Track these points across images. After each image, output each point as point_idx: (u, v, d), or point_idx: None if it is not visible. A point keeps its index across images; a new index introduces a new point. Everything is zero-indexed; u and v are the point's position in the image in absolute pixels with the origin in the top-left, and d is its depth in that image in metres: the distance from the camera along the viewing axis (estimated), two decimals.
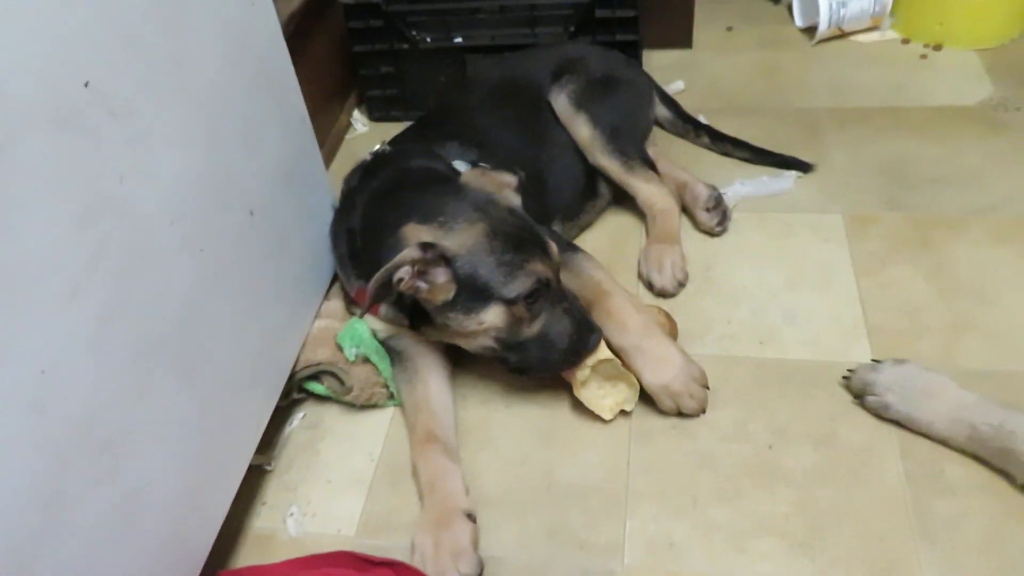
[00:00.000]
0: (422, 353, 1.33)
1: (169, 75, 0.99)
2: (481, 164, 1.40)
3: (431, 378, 1.32)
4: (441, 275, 1.15)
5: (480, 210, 1.19)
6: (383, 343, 1.34)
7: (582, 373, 1.23)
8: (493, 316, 1.17)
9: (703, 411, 1.28)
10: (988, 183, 1.65)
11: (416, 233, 1.16)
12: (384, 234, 1.21)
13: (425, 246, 1.12)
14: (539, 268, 1.17)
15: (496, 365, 1.29)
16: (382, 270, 1.11)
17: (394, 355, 1.34)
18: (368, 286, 1.12)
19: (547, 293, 1.19)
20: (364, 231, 1.30)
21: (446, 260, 1.14)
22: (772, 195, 1.69)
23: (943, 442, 1.18)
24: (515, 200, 1.27)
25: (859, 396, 1.26)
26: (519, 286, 1.15)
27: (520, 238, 1.18)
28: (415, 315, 1.24)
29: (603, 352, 1.23)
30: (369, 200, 1.31)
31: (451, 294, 1.16)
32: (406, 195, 1.26)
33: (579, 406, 1.30)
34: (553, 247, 1.23)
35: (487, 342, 1.21)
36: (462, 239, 1.15)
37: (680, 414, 1.28)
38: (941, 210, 1.60)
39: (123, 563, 0.91)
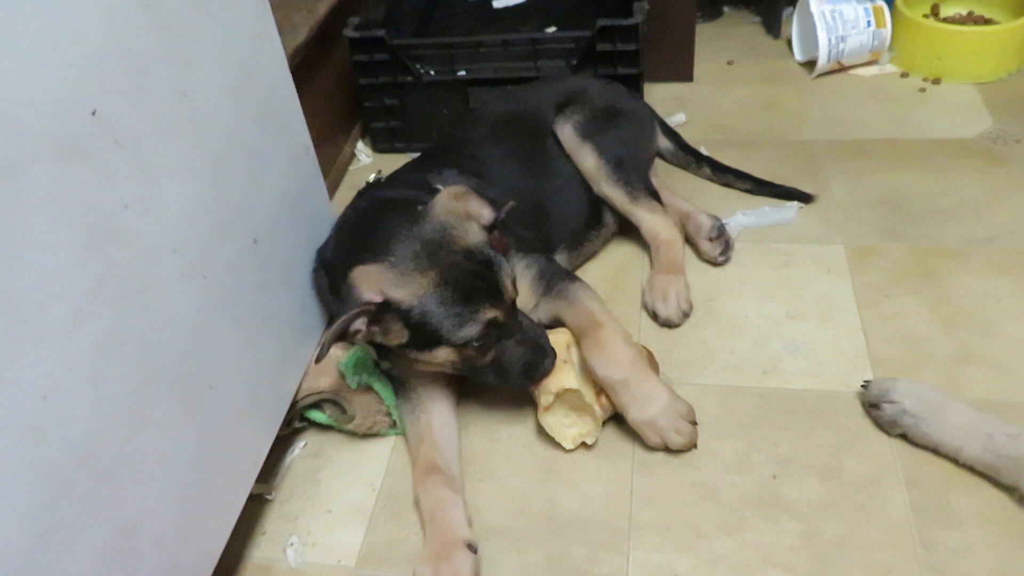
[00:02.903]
0: (426, 383, 1.33)
1: (176, 106, 1.00)
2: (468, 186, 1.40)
3: (434, 408, 1.32)
4: (394, 322, 1.15)
5: (431, 254, 1.15)
6: (386, 372, 1.34)
7: (545, 399, 1.24)
8: (445, 355, 1.19)
9: (693, 447, 1.27)
10: (988, 215, 1.66)
11: (365, 277, 1.13)
12: (344, 271, 1.18)
13: (380, 304, 1.11)
14: (488, 314, 1.16)
15: (498, 393, 1.29)
16: (338, 323, 1.09)
17: (397, 384, 1.33)
18: (322, 336, 1.11)
19: (498, 332, 1.20)
20: (331, 266, 1.30)
21: (399, 310, 1.14)
22: (774, 226, 1.69)
23: (953, 454, 1.18)
24: (475, 237, 1.19)
25: (875, 404, 1.26)
26: (468, 332, 1.16)
27: (471, 286, 1.16)
28: (378, 347, 1.26)
29: (569, 381, 1.23)
30: (338, 233, 1.33)
31: (405, 338, 1.17)
32: (364, 229, 1.25)
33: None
34: (508, 287, 1.21)
35: (447, 370, 1.25)
36: (413, 288, 1.13)
37: (667, 450, 1.26)
38: (942, 241, 1.61)
39: None
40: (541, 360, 1.23)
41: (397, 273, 1.14)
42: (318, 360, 1.11)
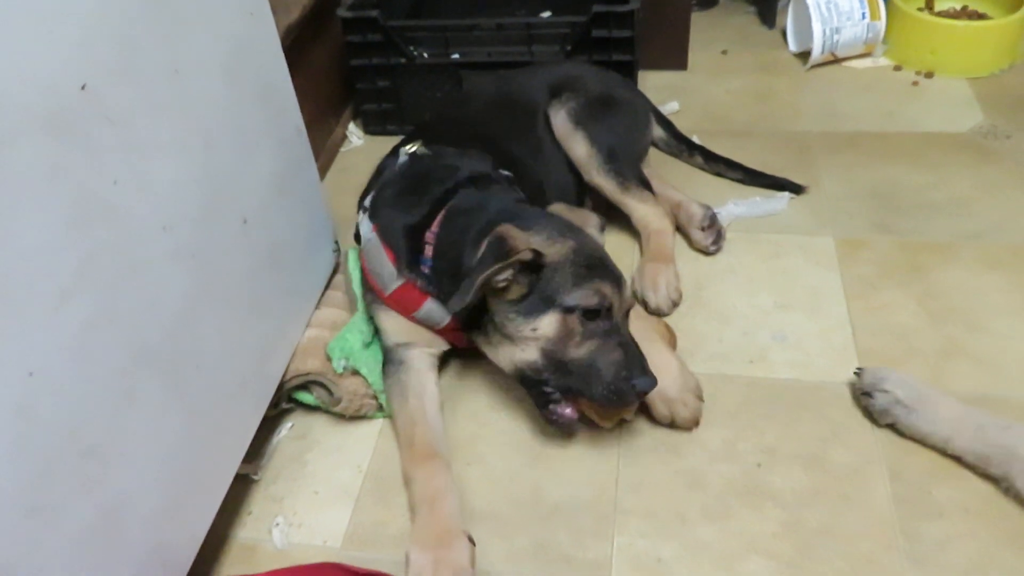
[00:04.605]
0: (422, 368, 1.34)
1: (167, 82, 0.99)
2: (502, 172, 1.42)
3: (426, 392, 1.32)
4: (525, 277, 1.18)
5: (570, 230, 1.24)
6: (390, 349, 1.34)
7: None
8: (547, 324, 1.18)
9: (696, 423, 1.28)
10: (978, 210, 1.67)
11: (517, 235, 1.18)
12: (471, 235, 1.23)
13: (536, 252, 1.16)
14: (607, 291, 1.19)
15: (486, 379, 1.28)
16: (493, 268, 1.13)
17: (395, 365, 1.34)
18: (475, 280, 1.13)
19: (606, 320, 1.19)
20: (445, 230, 1.29)
21: (537, 267, 1.18)
22: (765, 216, 1.70)
23: (942, 445, 1.19)
24: (599, 237, 1.30)
25: (867, 392, 1.27)
26: (580, 297, 1.17)
27: (601, 262, 1.22)
28: (471, 317, 1.24)
29: None
30: (451, 201, 1.31)
31: (520, 294, 1.19)
32: (501, 204, 1.29)
33: None
34: (627, 286, 1.25)
35: (532, 355, 1.20)
36: (557, 248, 1.19)
37: (673, 425, 1.28)
38: (932, 235, 1.62)
39: (106, 571, 0.90)
40: (640, 376, 1.17)
41: (543, 237, 1.20)
42: (453, 308, 1.17)
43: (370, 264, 1.36)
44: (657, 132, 1.85)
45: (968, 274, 1.52)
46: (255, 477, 1.29)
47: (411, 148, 1.43)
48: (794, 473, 1.22)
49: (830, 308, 1.48)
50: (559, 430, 1.29)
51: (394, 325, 1.35)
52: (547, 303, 1.18)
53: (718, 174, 1.82)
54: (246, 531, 1.23)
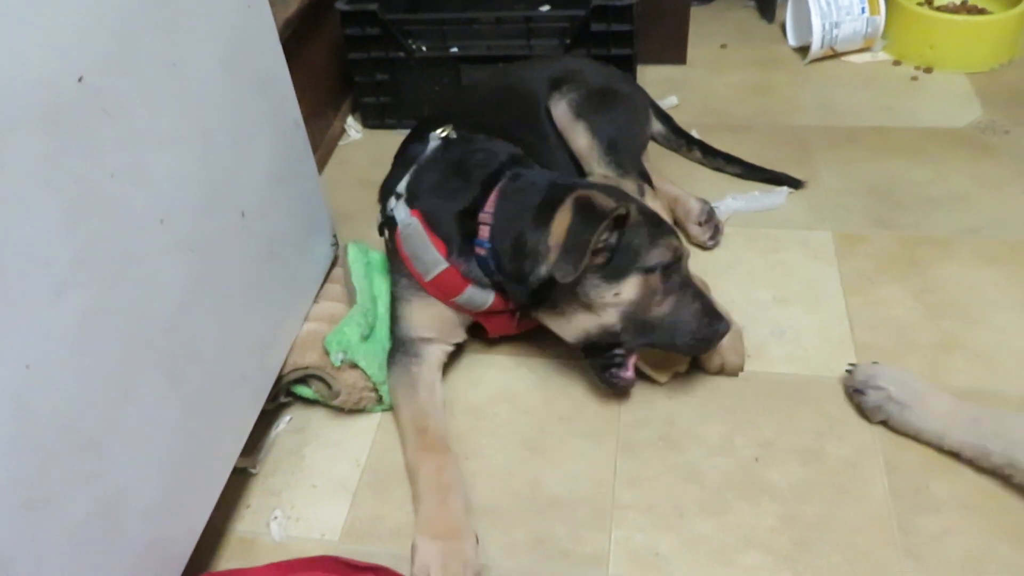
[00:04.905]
0: (434, 364, 1.35)
1: (164, 75, 0.99)
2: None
3: (435, 388, 1.33)
4: (612, 238, 1.20)
5: (625, 196, 1.28)
6: (408, 341, 1.34)
7: None
8: (630, 287, 1.21)
9: (743, 368, 1.36)
10: (976, 205, 1.67)
11: (595, 194, 1.19)
12: (532, 211, 1.22)
13: (624, 205, 1.18)
14: (676, 243, 1.23)
15: (484, 372, 1.27)
16: (601, 226, 1.14)
17: (407, 357, 1.33)
18: (587, 242, 1.14)
19: (678, 272, 1.24)
20: (502, 209, 1.28)
21: (622, 229, 1.20)
22: (763, 210, 1.70)
23: (937, 441, 1.19)
24: (640, 200, 1.34)
25: (859, 390, 1.27)
26: (660, 255, 1.21)
27: (662, 219, 1.27)
28: (537, 293, 1.24)
29: None
30: (501, 181, 1.30)
31: (605, 258, 1.20)
32: (552, 178, 1.30)
33: (566, 417, 1.30)
34: (681, 236, 1.29)
35: (612, 319, 1.22)
36: (632, 211, 1.22)
37: (722, 371, 1.35)
38: (929, 230, 1.62)
39: (104, 564, 0.90)
40: (718, 320, 1.24)
41: (614, 199, 1.21)
42: (567, 278, 1.15)
43: (409, 250, 1.34)
44: (656, 126, 1.85)
45: (966, 269, 1.52)
46: (253, 470, 1.29)
47: (443, 132, 1.42)
48: (791, 467, 1.22)
49: (828, 302, 1.48)
50: (617, 392, 1.33)
51: (422, 317, 1.34)
52: (627, 266, 1.20)
53: (717, 168, 1.82)
54: (244, 524, 1.23)
